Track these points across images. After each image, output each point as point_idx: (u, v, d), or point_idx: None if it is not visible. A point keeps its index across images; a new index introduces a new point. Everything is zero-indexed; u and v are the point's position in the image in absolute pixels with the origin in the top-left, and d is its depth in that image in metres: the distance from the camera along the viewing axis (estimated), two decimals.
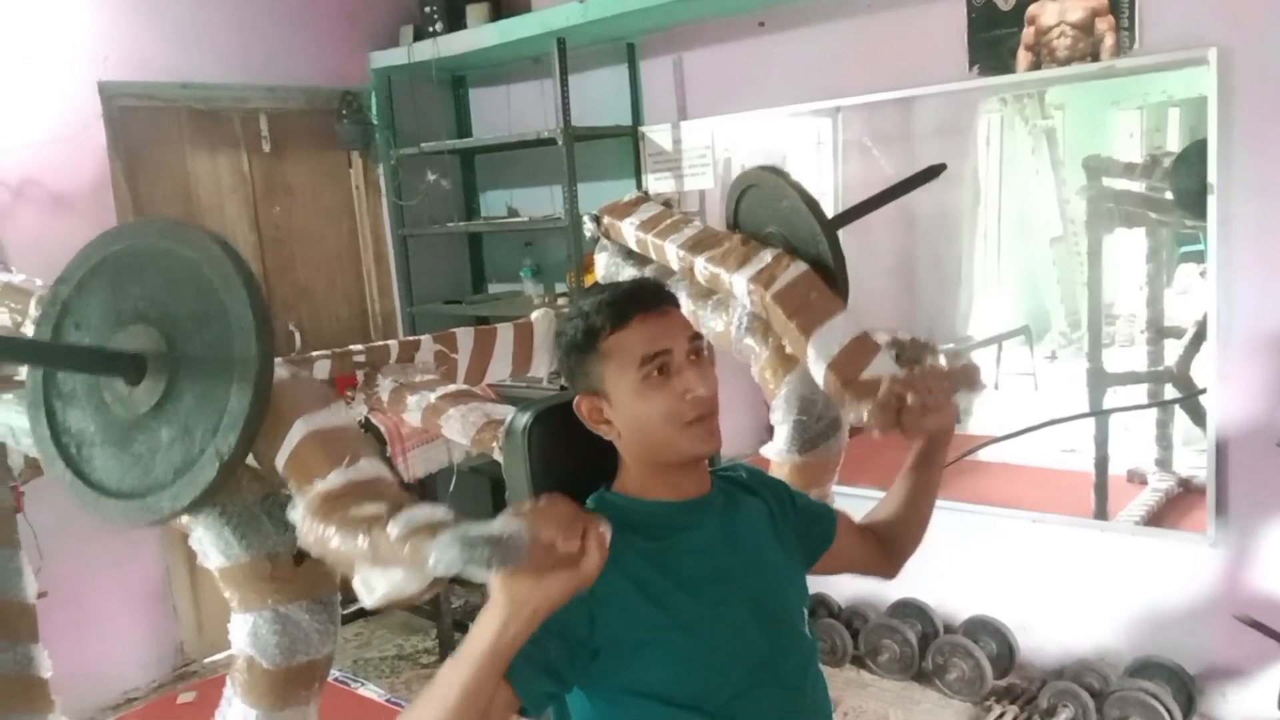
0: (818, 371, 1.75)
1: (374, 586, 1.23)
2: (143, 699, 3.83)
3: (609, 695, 1.22)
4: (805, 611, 1.38)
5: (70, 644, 2.95)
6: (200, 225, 1.53)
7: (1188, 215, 3.00)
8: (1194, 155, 2.90)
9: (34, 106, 3.53)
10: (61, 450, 1.52)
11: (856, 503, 3.83)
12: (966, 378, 1.48)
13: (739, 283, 1.96)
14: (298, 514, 1.34)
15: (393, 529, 1.18)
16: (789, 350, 1.92)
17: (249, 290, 1.39)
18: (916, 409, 1.37)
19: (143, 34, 3.78)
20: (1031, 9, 3.10)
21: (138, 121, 3.87)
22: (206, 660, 4.05)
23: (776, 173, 2.06)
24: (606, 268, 2.49)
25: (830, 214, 1.98)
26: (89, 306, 1.53)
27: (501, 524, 0.95)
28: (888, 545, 1.57)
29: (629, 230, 2.31)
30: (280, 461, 1.40)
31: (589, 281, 3.82)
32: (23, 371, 1.94)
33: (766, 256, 1.95)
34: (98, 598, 3.72)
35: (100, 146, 3.69)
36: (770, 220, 2.04)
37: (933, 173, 1.59)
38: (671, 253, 2.17)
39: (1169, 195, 3.08)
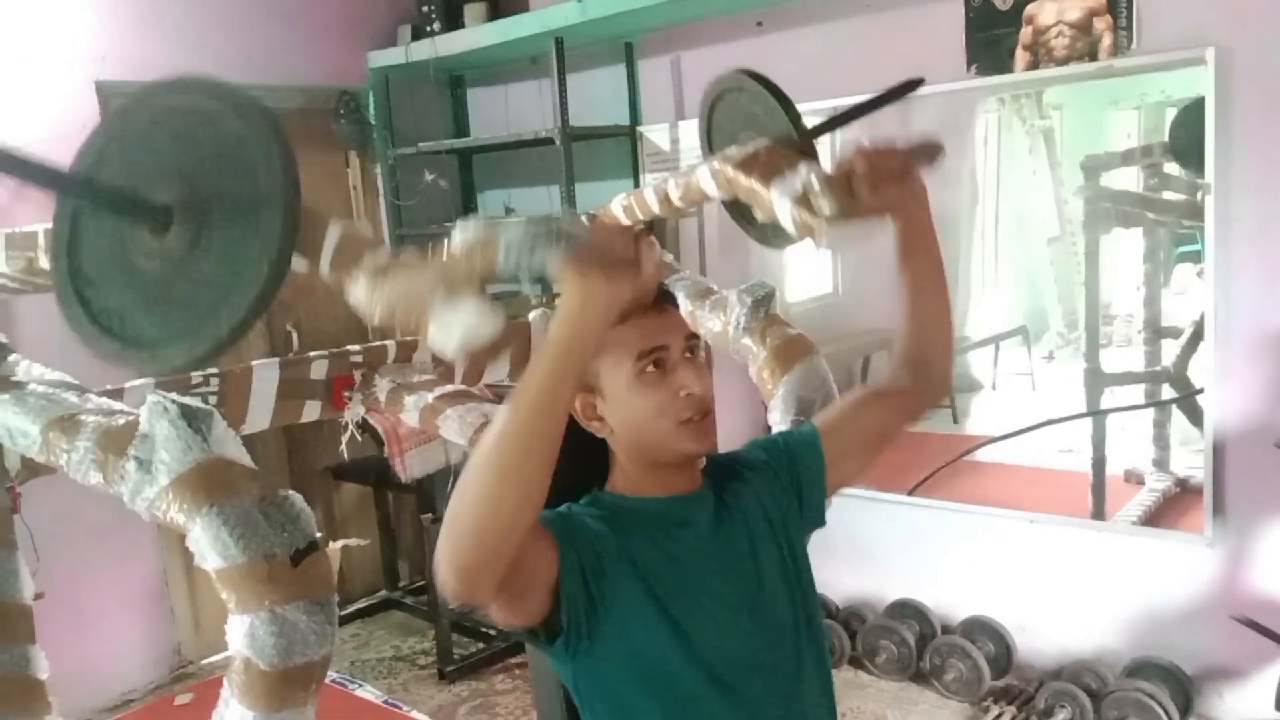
0: (784, 211, 1.73)
1: (451, 328, 1.26)
2: (140, 700, 3.83)
3: (602, 672, 1.23)
4: (808, 598, 1.36)
5: (67, 645, 2.94)
6: (197, 75, 1.55)
7: (1188, 170, 2.99)
8: (1193, 110, 2.89)
9: (32, 106, 3.53)
10: (105, 330, 1.51)
11: (856, 503, 3.83)
12: (924, 148, 1.36)
13: (704, 174, 1.94)
14: (357, 288, 1.38)
15: (454, 244, 1.22)
16: (760, 218, 1.89)
17: (262, 115, 1.42)
18: (868, 177, 1.30)
19: (140, 33, 3.78)
20: (1029, 9, 3.11)
21: None
22: (204, 661, 4.05)
23: (749, 75, 2.03)
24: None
25: None
26: (105, 177, 1.54)
27: (558, 218, 1.05)
28: (917, 364, 1.44)
29: (617, 207, 2.31)
30: (325, 263, 1.45)
31: None
32: (19, 371, 1.94)
33: (732, 150, 1.95)
34: (95, 599, 3.71)
35: None
36: (744, 128, 2.02)
37: (910, 86, 1.54)
38: (649, 197, 2.17)
39: (1167, 163, 3.08)
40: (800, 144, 1.83)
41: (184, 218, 1.44)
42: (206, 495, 1.48)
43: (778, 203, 1.71)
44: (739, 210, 2.10)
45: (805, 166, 1.56)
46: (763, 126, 1.95)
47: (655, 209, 2.18)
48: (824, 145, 3.86)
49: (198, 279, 1.45)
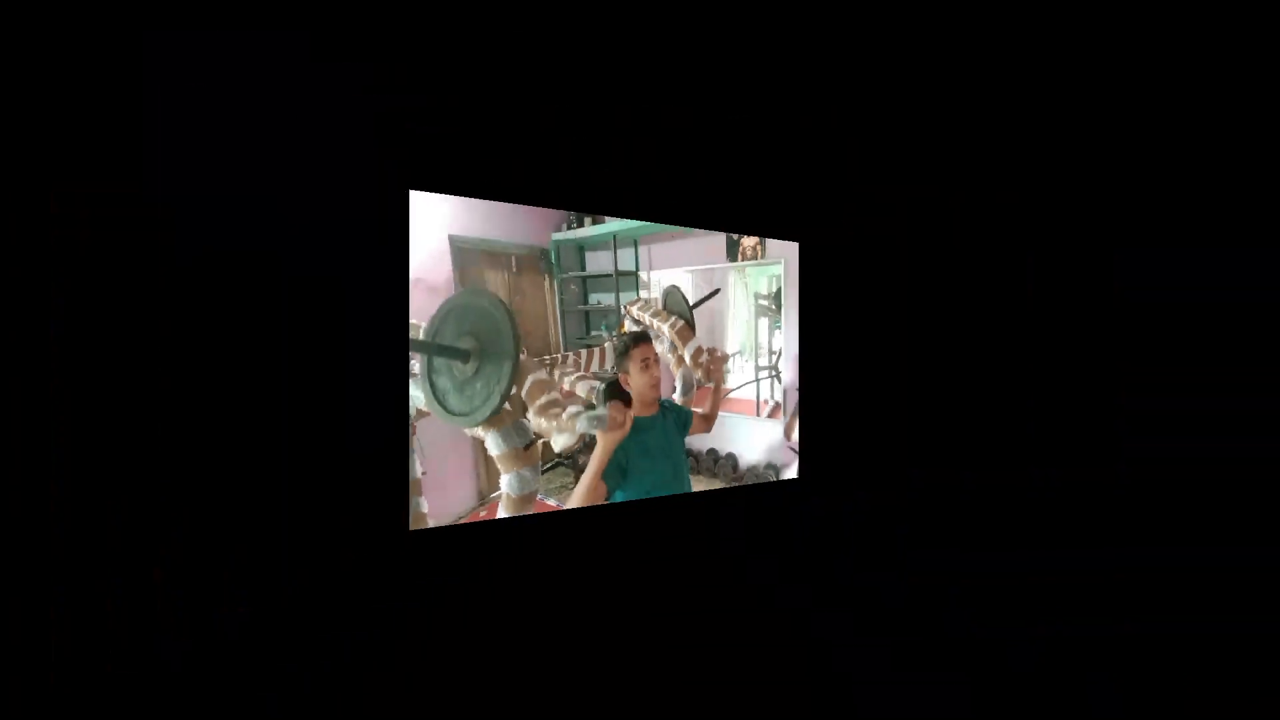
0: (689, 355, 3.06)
1: (554, 444, 2.47)
2: (468, 514, 4.74)
3: None
4: (685, 463, 3.16)
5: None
6: (485, 291, 2.30)
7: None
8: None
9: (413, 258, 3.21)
10: (440, 399, 2.48)
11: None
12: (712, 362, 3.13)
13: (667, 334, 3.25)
14: (531, 415, 2.28)
15: (565, 416, 2.43)
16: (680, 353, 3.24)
17: (508, 318, 2.44)
18: (711, 371, 2.99)
19: (474, 206, 3.28)
20: (743, 241, 3.55)
21: None
22: (490, 496, 5.71)
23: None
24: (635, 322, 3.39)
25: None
26: (444, 332, 2.52)
27: (600, 409, 2.73)
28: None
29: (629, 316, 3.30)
30: (525, 393, 2.43)
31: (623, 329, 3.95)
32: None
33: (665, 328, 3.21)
34: (448, 472, 4.29)
35: None
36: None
37: (713, 293, 2.67)
38: (631, 316, 3.20)
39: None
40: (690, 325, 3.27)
41: (474, 359, 2.46)
42: (490, 423, 2.67)
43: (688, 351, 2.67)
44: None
45: (696, 340, 2.77)
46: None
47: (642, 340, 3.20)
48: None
49: (474, 391, 2.42)
